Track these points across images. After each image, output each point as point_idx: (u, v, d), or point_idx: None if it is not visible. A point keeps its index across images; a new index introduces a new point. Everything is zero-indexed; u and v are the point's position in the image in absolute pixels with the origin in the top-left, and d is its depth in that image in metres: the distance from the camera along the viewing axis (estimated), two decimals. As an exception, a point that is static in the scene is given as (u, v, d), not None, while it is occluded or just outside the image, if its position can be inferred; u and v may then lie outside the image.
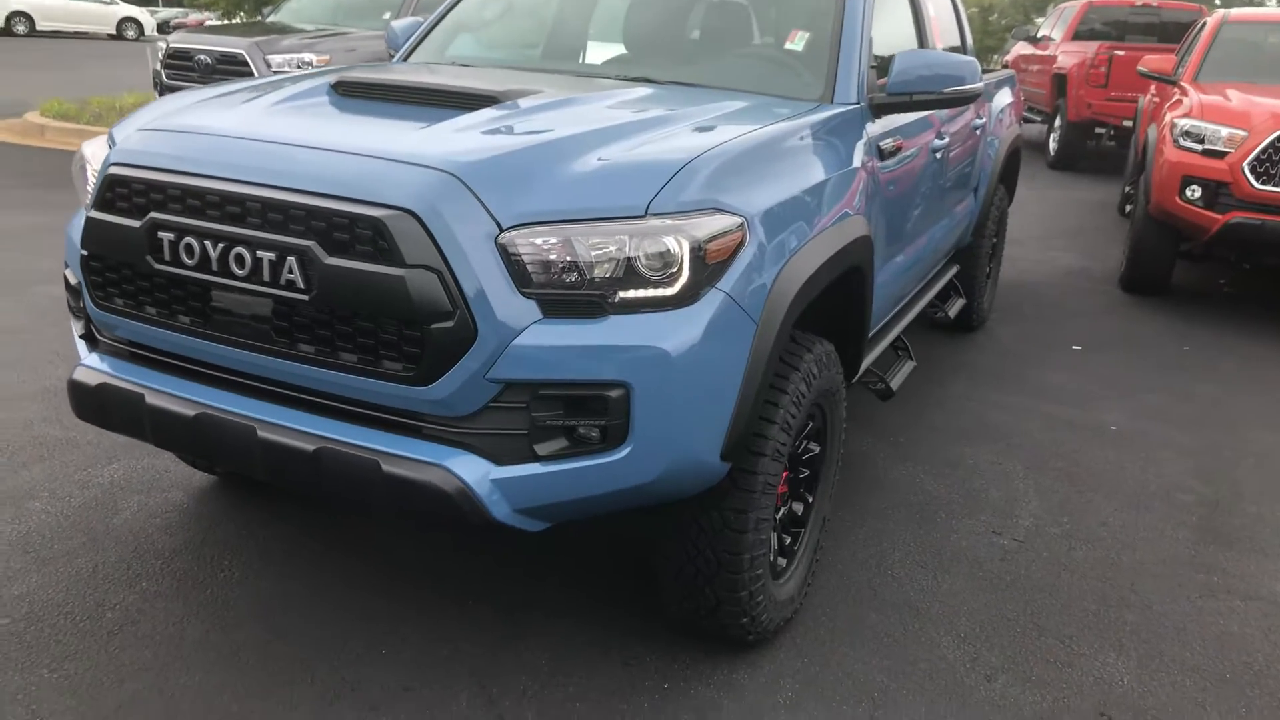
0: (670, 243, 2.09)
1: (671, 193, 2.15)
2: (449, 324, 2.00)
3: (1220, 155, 5.90)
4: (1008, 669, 2.75)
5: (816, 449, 2.94)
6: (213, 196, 2.16)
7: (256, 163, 2.18)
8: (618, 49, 3.81)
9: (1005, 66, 15.72)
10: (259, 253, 2.10)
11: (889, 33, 3.85)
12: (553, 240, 2.06)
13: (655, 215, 2.10)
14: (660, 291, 2.10)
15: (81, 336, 2.59)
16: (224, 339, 2.23)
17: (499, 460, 2.09)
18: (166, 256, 2.21)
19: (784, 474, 2.76)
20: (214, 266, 2.15)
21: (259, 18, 11.71)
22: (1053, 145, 12.79)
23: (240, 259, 2.12)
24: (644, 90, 2.97)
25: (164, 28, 29.74)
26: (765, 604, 2.60)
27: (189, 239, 2.17)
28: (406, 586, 2.94)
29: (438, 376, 2.03)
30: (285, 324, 2.14)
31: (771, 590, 2.64)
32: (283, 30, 9.11)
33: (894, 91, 3.16)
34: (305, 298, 2.08)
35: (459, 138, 2.25)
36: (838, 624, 2.90)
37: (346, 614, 2.80)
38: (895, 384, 3.71)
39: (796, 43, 3.33)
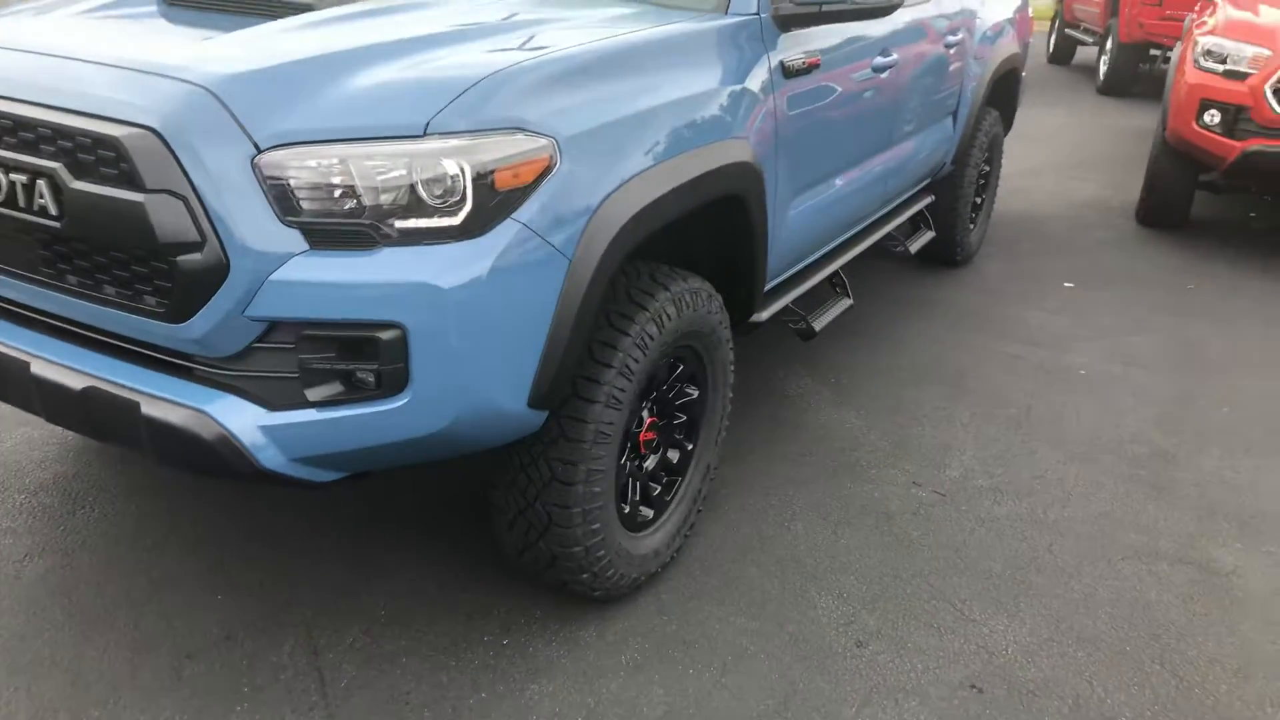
0: (449, 165, 1.88)
1: (459, 111, 1.92)
2: (197, 255, 1.82)
3: (1241, 77, 5.40)
4: (883, 634, 2.55)
5: (694, 393, 2.73)
6: (-26, 114, 1.99)
7: (19, 77, 2.01)
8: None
9: (1061, -15, 14.85)
10: (12, 175, 1.94)
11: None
12: (317, 162, 1.85)
13: (436, 135, 1.89)
14: (442, 221, 1.90)
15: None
16: (3, 269, 2.09)
17: (271, 405, 1.93)
18: (-64, 180, 2.06)
19: (648, 420, 2.57)
20: (-24, 191, 2.00)
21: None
22: (1102, 68, 12.05)
23: None
24: (505, -1, 2.71)
25: None
26: (610, 559, 2.43)
27: (-47, 161, 2.01)
28: (263, 531, 2.83)
29: (192, 313, 1.87)
30: (47, 253, 1.99)
31: (620, 543, 2.46)
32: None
33: (801, 1, 2.86)
34: (57, 225, 1.92)
35: (234, 48, 2.04)
36: (711, 579, 2.72)
37: (190, 556, 2.71)
38: (819, 324, 3.46)
39: (698, -53, 3.02)
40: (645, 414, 2.57)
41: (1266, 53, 5.33)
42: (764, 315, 3.14)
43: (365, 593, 2.59)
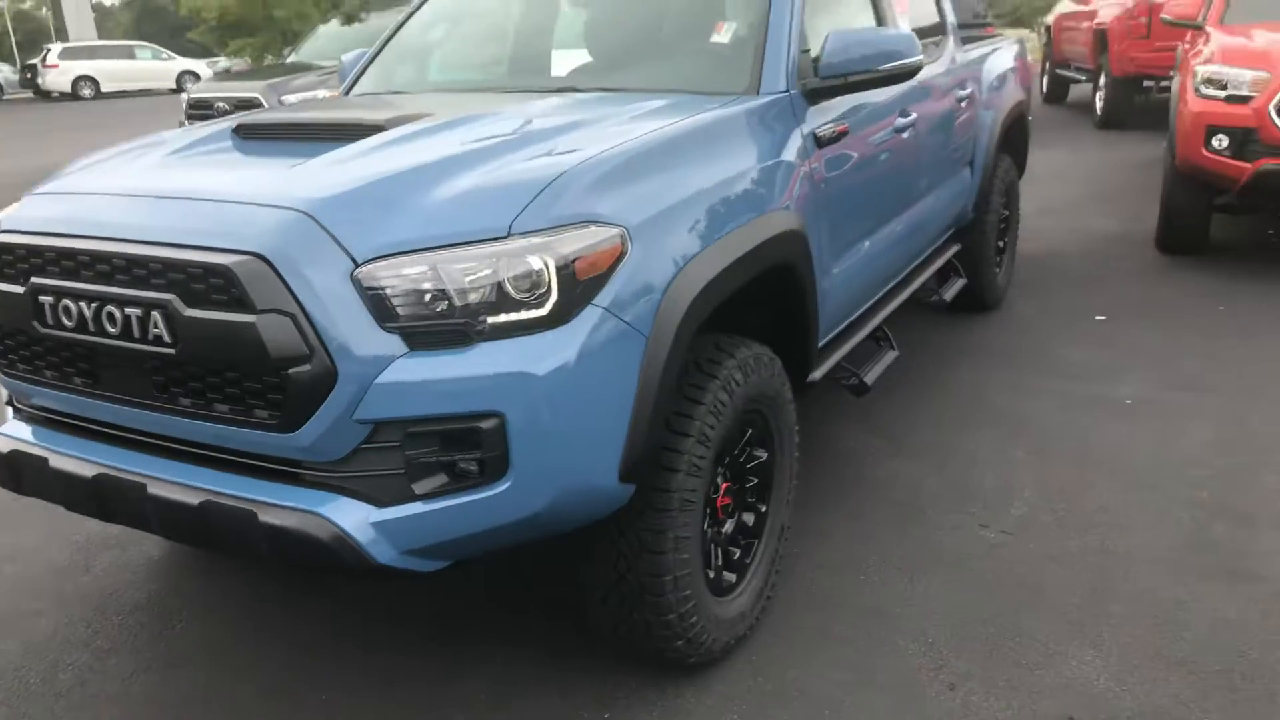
0: (534, 261, 2.01)
1: (538, 210, 2.07)
2: (306, 367, 1.95)
3: (1245, 100, 5.55)
4: (973, 675, 2.59)
5: (764, 455, 2.82)
6: (83, 257, 2.15)
7: (121, 219, 2.17)
8: (583, 56, 3.72)
9: (1047, 29, 15.21)
10: (126, 309, 2.09)
11: (844, 17, 3.72)
12: (412, 270, 1.99)
13: (519, 235, 2.03)
14: (530, 314, 2.02)
15: (6, 403, 2.62)
16: (114, 397, 2.23)
17: (379, 502, 2.04)
18: (49, 320, 2.21)
19: (723, 486, 2.66)
20: (90, 327, 2.15)
21: (281, 59, 11.97)
22: (1099, 104, 12.28)
23: (111, 317, 2.11)
24: (554, 102, 2.89)
25: (185, 78, 30.20)
26: (703, 624, 2.50)
27: (66, 301, 2.17)
28: (353, 630, 2.91)
29: (303, 422, 1.99)
30: (161, 379, 2.13)
31: (710, 609, 2.53)
32: (299, 69, 9.27)
33: (826, 75, 3.02)
34: (172, 351, 2.06)
35: (321, 173, 2.21)
36: (799, 636, 2.78)
37: (288, 653, 2.78)
38: (870, 378, 3.55)
39: (723, 34, 3.20)
40: (720, 479, 2.67)
41: (1266, 75, 5.49)
42: (818, 374, 3.24)
43: (463, 679, 2.66)
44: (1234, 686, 2.49)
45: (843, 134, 3.17)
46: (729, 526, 2.73)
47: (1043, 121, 12.85)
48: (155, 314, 2.05)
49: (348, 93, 3.77)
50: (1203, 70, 5.82)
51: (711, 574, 2.61)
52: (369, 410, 1.98)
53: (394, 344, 1.99)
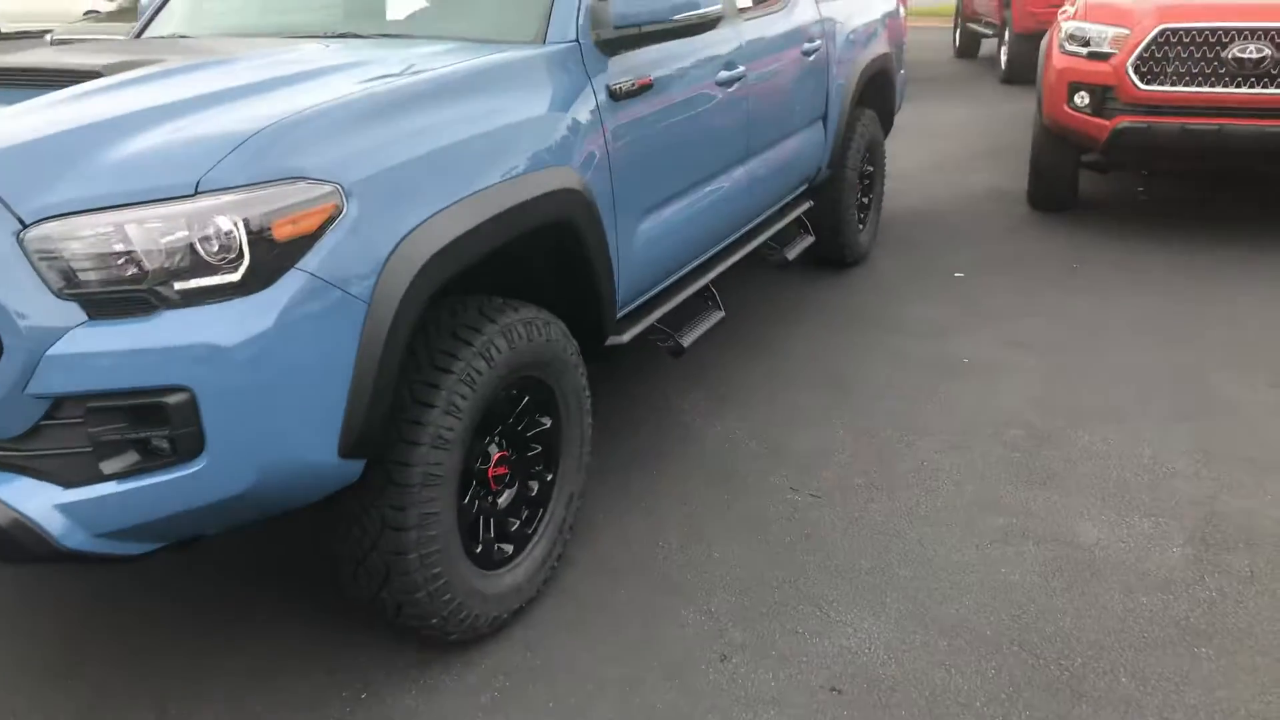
0: (223, 222, 1.86)
1: (233, 165, 1.91)
2: (-35, 337, 1.79)
3: (1105, 58, 5.54)
4: (748, 646, 2.54)
5: (547, 422, 2.73)
6: None
7: None
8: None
9: (958, -18, 15.17)
10: None
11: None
12: (87, 232, 1.83)
13: (207, 192, 1.87)
14: (221, 279, 1.88)
15: None
16: None
17: (67, 483, 1.89)
18: None
19: (496, 456, 2.56)
20: None
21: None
22: (1003, 59, 12.32)
23: None
24: (313, 49, 2.71)
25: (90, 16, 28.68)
26: (460, 600, 2.40)
27: None
28: (121, 606, 2.77)
29: (-30, 397, 1.83)
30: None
31: (470, 584, 2.44)
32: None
33: (620, 25, 2.89)
34: None
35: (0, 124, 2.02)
36: (580, 609, 2.70)
37: (42, 641, 2.64)
38: (688, 340, 3.47)
39: (518, -20, 3.04)
40: (494, 449, 2.56)
41: (1126, 32, 5.47)
42: (625, 337, 3.15)
43: (230, 653, 2.54)
44: (1000, 651, 2.48)
45: (645, 88, 3.03)
46: (506, 498, 2.63)
47: (951, 75, 12.91)
48: None
49: (140, 34, 3.53)
50: (1067, 26, 5.80)
51: (479, 547, 2.52)
52: (42, 384, 1.82)
53: (70, 312, 1.83)
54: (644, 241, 3.12)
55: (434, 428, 2.24)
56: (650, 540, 2.99)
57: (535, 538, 2.71)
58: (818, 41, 4.51)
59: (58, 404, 1.86)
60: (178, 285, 1.86)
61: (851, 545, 2.94)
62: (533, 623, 2.65)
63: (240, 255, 1.88)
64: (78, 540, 1.90)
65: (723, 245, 3.92)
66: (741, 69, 3.67)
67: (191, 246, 1.86)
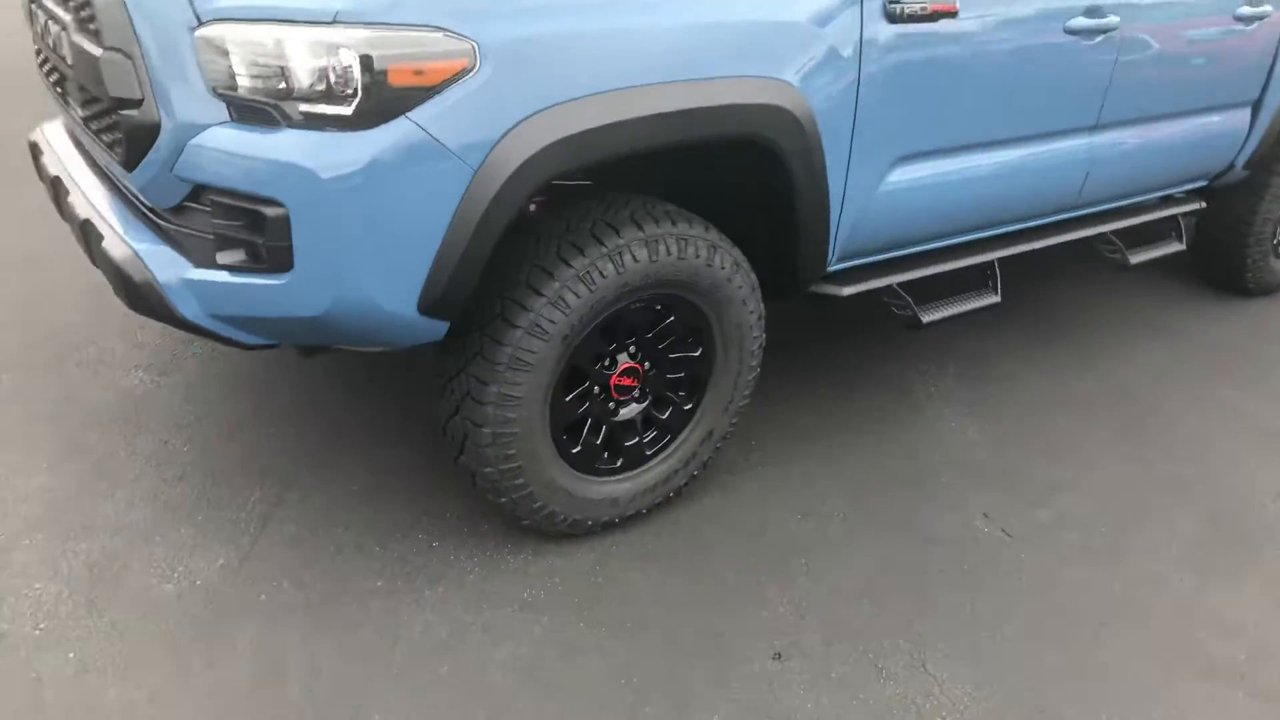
0: (345, 55, 1.89)
1: (377, 3, 1.92)
2: (135, 112, 2.01)
3: None
4: (812, 656, 2.25)
5: (699, 351, 2.55)
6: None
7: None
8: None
9: None
10: (49, 24, 2.32)
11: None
12: (247, 39, 1.94)
13: (343, 24, 1.90)
14: (337, 109, 1.92)
15: None
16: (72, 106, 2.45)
17: (196, 261, 2.10)
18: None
19: (623, 365, 2.45)
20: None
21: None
22: None
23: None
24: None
25: None
26: (537, 492, 2.37)
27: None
28: (314, 405, 3.08)
29: (135, 163, 2.07)
30: (80, 95, 2.32)
31: (556, 480, 2.39)
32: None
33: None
34: (72, 71, 2.23)
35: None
36: (672, 549, 2.56)
37: (224, 433, 3.03)
38: (931, 317, 3.03)
39: None
40: (625, 358, 2.46)
41: None
42: (845, 291, 2.84)
43: (353, 466, 2.75)
44: None
45: (943, 14, 2.59)
46: (630, 411, 2.53)
47: None
48: (62, 33, 2.21)
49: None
50: None
51: (578, 448, 2.45)
52: (184, 169, 2.01)
53: (217, 110, 1.98)
54: (889, 193, 2.71)
55: (535, 315, 2.18)
56: (784, 512, 2.73)
57: (653, 461, 2.59)
58: (1267, 7, 3.57)
59: (196, 190, 2.05)
60: (302, 107, 1.93)
61: (1004, 604, 2.46)
62: (620, 543, 2.56)
63: (355, 91, 1.90)
64: (193, 312, 2.11)
65: (1033, 225, 3.34)
66: (1113, 19, 3.00)
67: (321, 71, 1.92)
